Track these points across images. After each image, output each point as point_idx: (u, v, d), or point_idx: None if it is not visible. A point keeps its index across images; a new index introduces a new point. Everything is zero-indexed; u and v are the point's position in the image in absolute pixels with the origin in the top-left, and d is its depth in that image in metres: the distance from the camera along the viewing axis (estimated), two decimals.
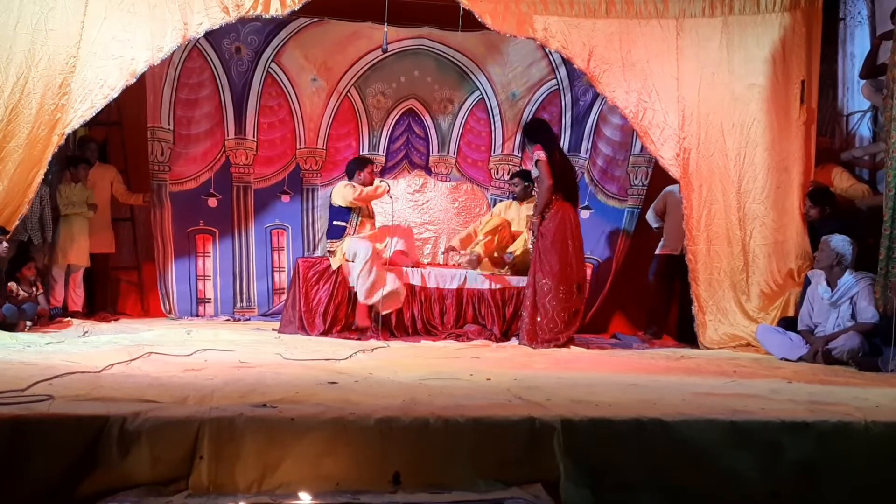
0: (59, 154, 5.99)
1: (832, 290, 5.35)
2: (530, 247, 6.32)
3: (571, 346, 5.88)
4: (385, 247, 6.57)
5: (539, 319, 5.87)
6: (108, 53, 5.63)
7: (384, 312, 6.16)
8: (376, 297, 6.12)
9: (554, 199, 5.95)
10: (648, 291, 7.11)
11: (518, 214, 6.99)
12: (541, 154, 5.95)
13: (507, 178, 8.16)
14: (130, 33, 5.65)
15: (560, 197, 5.97)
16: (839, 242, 5.33)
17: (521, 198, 7.03)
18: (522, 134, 6.44)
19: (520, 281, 6.49)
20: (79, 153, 7.26)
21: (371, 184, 6.57)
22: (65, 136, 5.67)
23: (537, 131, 6.22)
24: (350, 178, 6.64)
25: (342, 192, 6.50)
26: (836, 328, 5.30)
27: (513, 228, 6.94)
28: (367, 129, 8.03)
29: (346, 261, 6.29)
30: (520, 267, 6.60)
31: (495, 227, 6.78)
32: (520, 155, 8.04)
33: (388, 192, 6.66)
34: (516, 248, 6.69)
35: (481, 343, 5.97)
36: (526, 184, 6.96)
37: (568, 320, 5.91)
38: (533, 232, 6.09)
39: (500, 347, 5.84)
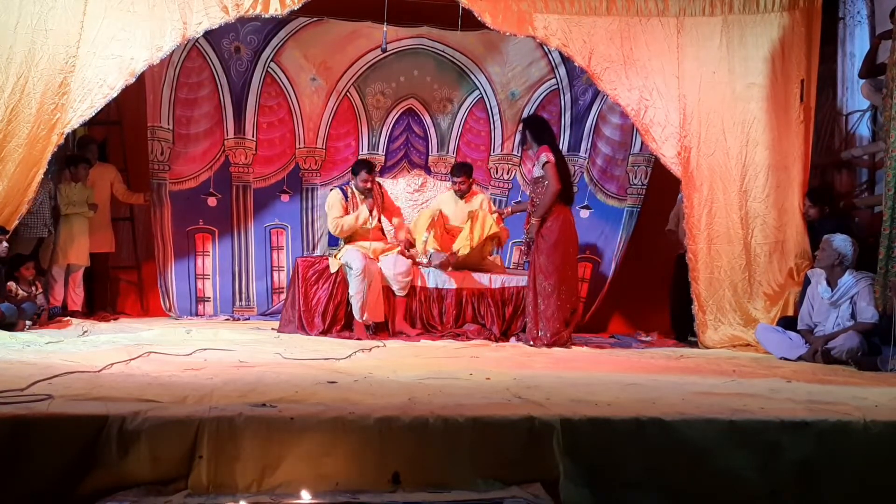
0: (58, 153, 6.00)
1: (832, 290, 5.35)
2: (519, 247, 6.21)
3: (572, 346, 5.90)
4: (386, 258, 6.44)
5: (543, 321, 5.88)
6: (108, 53, 5.64)
7: (374, 321, 6.18)
8: (366, 315, 6.13)
9: (556, 202, 5.95)
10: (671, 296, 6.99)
11: (457, 209, 6.84)
12: (550, 156, 5.93)
13: (506, 176, 8.17)
14: (130, 33, 5.66)
15: (561, 200, 5.97)
16: (841, 242, 5.33)
17: (463, 193, 6.90)
18: (524, 129, 6.29)
19: (519, 280, 6.49)
20: (79, 153, 7.27)
21: (365, 190, 6.47)
22: (64, 136, 5.68)
23: (542, 131, 6.17)
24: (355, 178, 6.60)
25: (331, 222, 6.47)
26: (835, 328, 5.29)
27: (452, 223, 6.80)
28: (367, 129, 8.03)
29: (343, 264, 6.29)
30: (463, 264, 6.55)
31: (431, 223, 6.57)
32: (519, 154, 8.04)
33: (367, 221, 6.47)
34: (459, 245, 6.49)
35: (480, 342, 5.97)
36: (469, 179, 6.88)
37: (569, 319, 5.95)
38: (529, 233, 6.07)
39: (500, 347, 5.84)
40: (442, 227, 6.71)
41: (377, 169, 7.19)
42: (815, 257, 5.65)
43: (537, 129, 6.19)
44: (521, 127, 6.44)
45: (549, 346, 5.78)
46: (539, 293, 5.92)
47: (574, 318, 6.04)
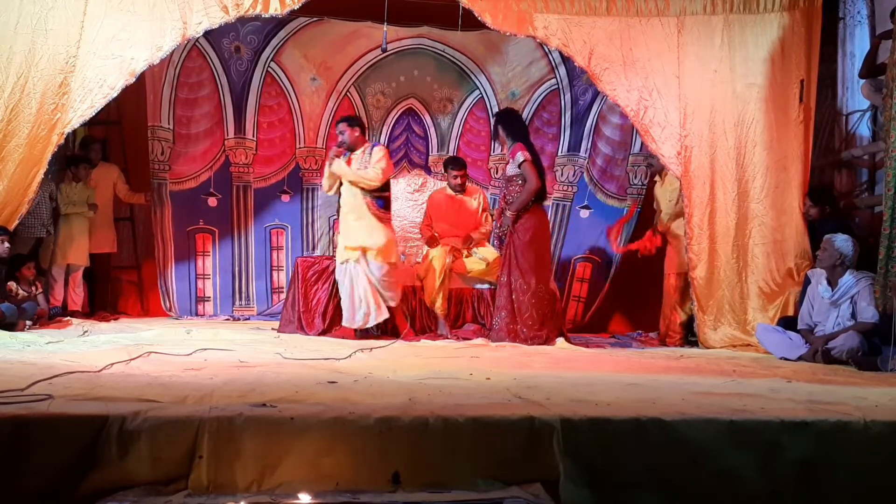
0: (58, 153, 6.01)
1: (833, 290, 5.34)
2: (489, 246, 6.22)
3: (557, 342, 5.86)
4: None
5: (518, 317, 5.86)
6: (108, 53, 5.65)
7: (367, 326, 6.11)
8: (366, 321, 6.06)
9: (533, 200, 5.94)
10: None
11: (450, 207, 6.77)
12: (526, 154, 5.92)
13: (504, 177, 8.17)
14: (130, 33, 5.67)
15: (536, 198, 5.96)
16: (843, 242, 5.33)
17: (461, 189, 6.83)
18: (496, 124, 6.20)
19: None
20: (82, 153, 7.29)
21: (341, 143, 6.12)
22: (64, 136, 5.68)
23: (516, 126, 6.15)
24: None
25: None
26: (836, 328, 5.29)
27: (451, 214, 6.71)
28: (367, 129, 8.02)
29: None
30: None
31: (444, 285, 6.34)
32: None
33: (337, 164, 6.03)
34: (441, 311, 6.35)
35: (480, 342, 5.97)
36: (461, 172, 6.77)
37: (545, 317, 5.90)
38: (502, 227, 6.03)
39: (500, 347, 5.83)
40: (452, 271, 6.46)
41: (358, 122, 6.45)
42: (816, 257, 5.64)
43: (511, 124, 6.14)
44: (493, 122, 6.38)
45: (528, 344, 5.74)
46: (514, 290, 5.90)
47: (552, 315, 5.98)
